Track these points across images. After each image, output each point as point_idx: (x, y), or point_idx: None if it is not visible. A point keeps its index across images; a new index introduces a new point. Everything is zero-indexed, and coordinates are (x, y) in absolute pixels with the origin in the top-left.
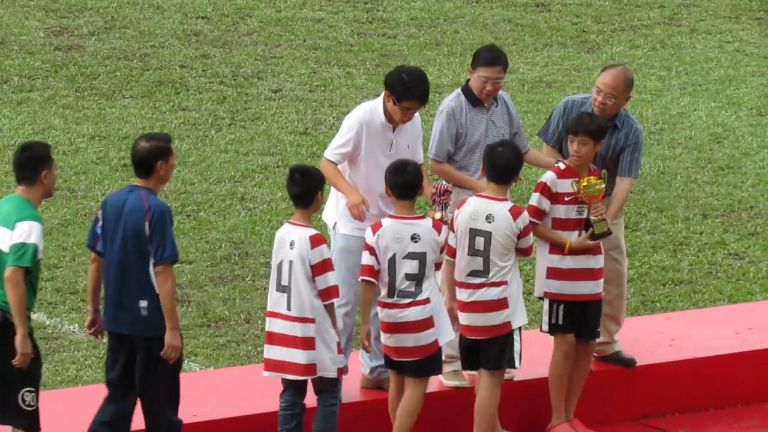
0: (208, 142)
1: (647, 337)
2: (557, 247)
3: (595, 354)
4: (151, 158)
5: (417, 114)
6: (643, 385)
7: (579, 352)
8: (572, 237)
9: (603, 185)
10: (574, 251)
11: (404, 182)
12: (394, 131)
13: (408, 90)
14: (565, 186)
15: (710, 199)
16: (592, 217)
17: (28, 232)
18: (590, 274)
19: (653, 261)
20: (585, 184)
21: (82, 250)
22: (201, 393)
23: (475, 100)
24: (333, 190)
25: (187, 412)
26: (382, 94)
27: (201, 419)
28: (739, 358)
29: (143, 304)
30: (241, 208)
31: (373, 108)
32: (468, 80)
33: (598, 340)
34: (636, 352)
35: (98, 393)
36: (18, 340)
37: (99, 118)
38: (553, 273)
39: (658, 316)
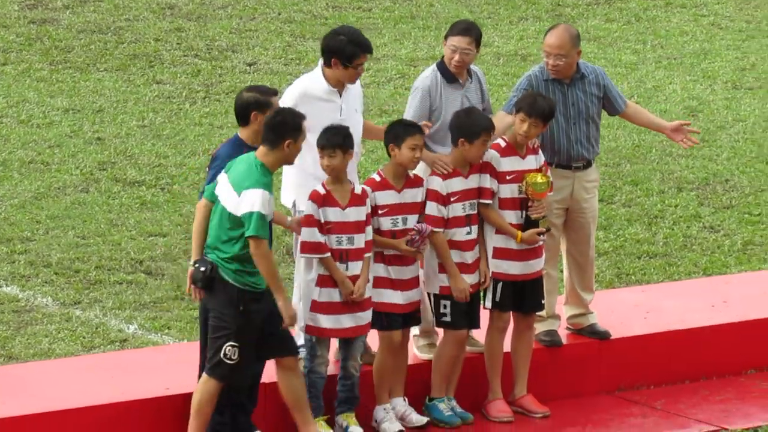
0: (183, 115)
1: (622, 310)
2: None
3: (569, 327)
4: (245, 108)
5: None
6: (617, 358)
7: (520, 326)
8: (515, 217)
9: (549, 182)
10: (525, 242)
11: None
12: (341, 96)
13: (357, 47)
14: (507, 164)
15: (685, 173)
16: (533, 216)
17: (252, 201)
18: (534, 253)
19: (628, 234)
20: (531, 182)
21: (55, 223)
22: (175, 366)
23: (450, 76)
24: (286, 167)
25: (160, 385)
26: (318, 65)
27: (174, 392)
28: (714, 331)
29: None
30: None
31: (310, 77)
32: (443, 56)
33: (572, 312)
34: (611, 324)
35: (71, 366)
36: (280, 306)
37: (73, 91)
38: (499, 253)
39: (633, 288)
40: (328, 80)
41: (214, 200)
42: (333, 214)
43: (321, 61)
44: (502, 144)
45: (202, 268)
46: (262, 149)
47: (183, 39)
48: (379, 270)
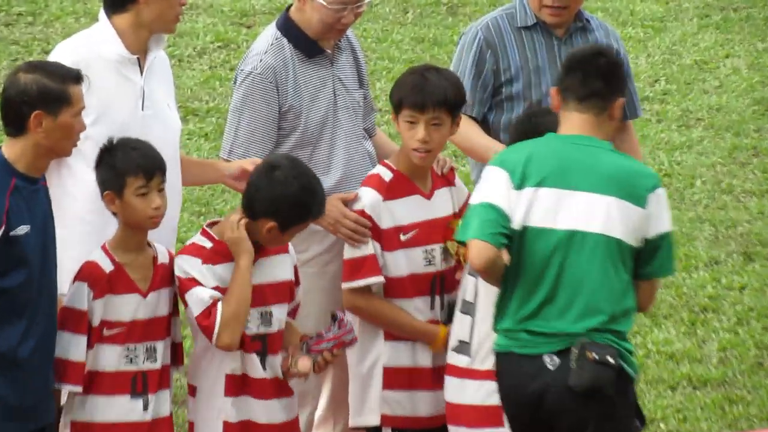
0: None
1: None
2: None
3: None
4: (18, 105)
5: (162, 51)
6: None
7: None
8: (423, 305)
9: None
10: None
11: None
12: (142, 71)
13: None
14: (400, 212)
15: (758, 225)
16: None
17: (664, 209)
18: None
19: (653, 341)
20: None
21: None
22: None
23: (309, 45)
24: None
25: None
26: (101, 18)
27: None
28: None
29: None
30: None
31: (94, 39)
32: (289, 7)
33: None
34: None
35: None
36: None
37: None
38: (393, 379)
39: None
40: (122, 38)
41: (501, 243)
42: (127, 308)
43: (102, 12)
44: (386, 176)
45: (612, 360)
46: (588, 118)
47: None
48: (226, 408)
